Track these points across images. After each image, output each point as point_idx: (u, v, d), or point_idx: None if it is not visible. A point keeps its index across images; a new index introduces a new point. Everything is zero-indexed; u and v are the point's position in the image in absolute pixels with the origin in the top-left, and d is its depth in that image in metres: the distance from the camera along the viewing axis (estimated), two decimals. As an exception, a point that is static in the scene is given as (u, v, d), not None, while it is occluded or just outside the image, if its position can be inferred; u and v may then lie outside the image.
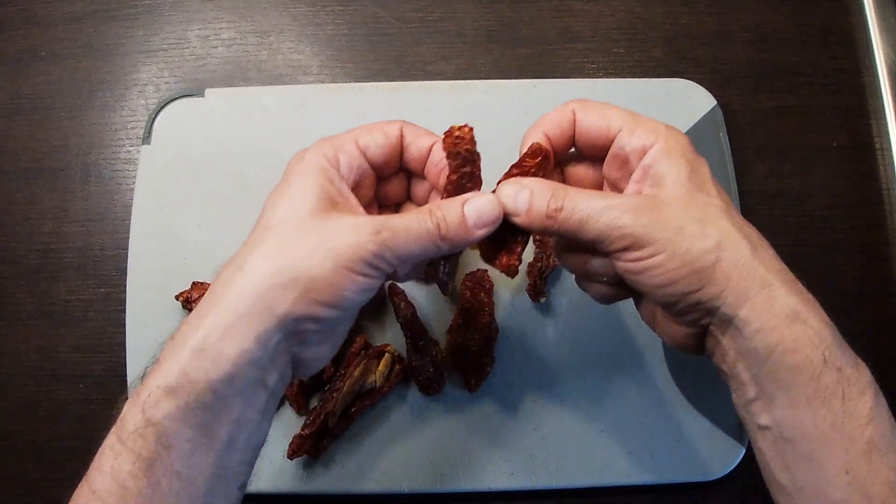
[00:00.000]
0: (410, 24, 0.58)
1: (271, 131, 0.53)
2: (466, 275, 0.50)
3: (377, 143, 0.36)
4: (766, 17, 0.59)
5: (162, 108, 0.53)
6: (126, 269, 0.50)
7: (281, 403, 0.48)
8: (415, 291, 0.50)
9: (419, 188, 0.40)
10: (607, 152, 0.37)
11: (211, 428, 0.31)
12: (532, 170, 0.37)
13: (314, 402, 0.48)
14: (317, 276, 0.31)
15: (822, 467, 0.31)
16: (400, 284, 0.49)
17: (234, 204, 0.52)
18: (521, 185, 0.35)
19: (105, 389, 0.51)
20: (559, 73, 0.57)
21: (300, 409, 0.48)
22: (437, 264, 0.40)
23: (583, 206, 0.34)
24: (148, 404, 0.31)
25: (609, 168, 0.38)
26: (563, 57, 0.58)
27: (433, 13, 0.59)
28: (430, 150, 0.37)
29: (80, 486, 0.32)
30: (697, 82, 0.55)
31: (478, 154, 0.37)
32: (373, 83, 0.55)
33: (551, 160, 0.38)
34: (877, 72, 0.58)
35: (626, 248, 0.33)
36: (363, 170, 0.36)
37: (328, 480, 0.47)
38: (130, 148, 0.55)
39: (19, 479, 0.50)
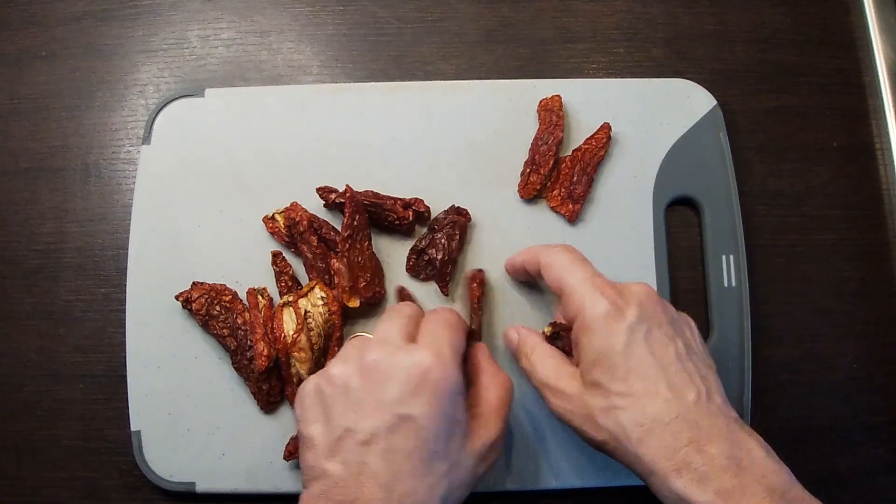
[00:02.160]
0: (410, 24, 0.58)
1: (271, 131, 0.53)
2: (465, 274, 0.50)
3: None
4: (766, 17, 0.59)
5: (162, 108, 0.53)
6: (126, 269, 0.50)
7: (280, 403, 0.48)
8: (415, 291, 0.50)
9: None
10: None
11: None
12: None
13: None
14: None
15: None
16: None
17: (235, 204, 0.52)
18: (514, 334, 0.46)
19: (105, 389, 0.51)
20: (559, 73, 0.57)
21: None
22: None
23: (532, 365, 0.44)
24: None
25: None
26: (563, 57, 0.58)
27: (433, 13, 0.59)
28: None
29: None
30: (697, 82, 0.55)
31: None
32: (373, 83, 0.55)
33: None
34: (877, 72, 0.58)
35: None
36: None
37: (328, 480, 0.47)
38: (130, 148, 0.55)
39: (19, 479, 0.50)
